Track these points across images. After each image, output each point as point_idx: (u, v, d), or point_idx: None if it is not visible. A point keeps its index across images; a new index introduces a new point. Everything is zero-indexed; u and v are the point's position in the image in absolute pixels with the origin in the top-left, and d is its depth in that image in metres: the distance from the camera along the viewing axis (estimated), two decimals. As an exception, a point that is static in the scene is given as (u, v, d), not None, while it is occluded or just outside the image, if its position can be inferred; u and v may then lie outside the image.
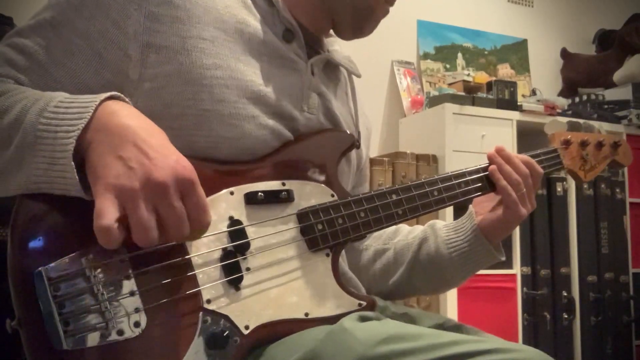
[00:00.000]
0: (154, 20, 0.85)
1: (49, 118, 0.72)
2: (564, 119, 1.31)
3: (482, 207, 1.09)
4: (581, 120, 1.33)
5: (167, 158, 0.70)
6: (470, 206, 1.10)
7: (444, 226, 1.11)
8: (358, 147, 1.02)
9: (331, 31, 1.07)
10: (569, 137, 1.19)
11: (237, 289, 0.80)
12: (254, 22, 0.93)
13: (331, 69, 1.05)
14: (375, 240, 1.17)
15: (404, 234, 1.15)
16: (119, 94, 0.77)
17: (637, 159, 2.97)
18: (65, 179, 0.71)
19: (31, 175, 0.72)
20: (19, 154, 0.72)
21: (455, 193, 1.03)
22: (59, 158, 0.70)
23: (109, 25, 0.83)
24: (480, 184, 1.06)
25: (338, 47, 1.09)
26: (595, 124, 1.28)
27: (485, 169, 1.07)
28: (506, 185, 1.04)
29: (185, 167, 0.71)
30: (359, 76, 1.09)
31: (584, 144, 1.21)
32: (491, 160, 1.07)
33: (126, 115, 0.73)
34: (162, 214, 0.69)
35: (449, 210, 2.38)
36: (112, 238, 0.66)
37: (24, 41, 0.84)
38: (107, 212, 0.66)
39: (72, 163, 0.70)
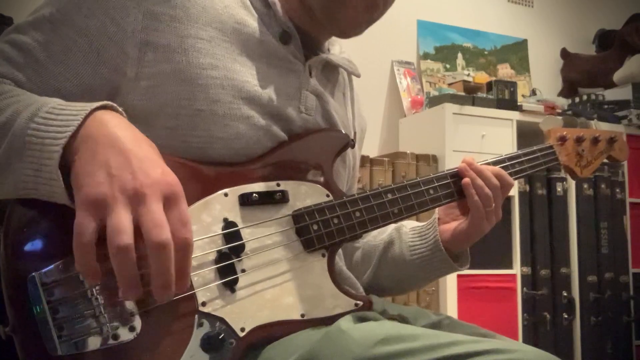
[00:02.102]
0: (153, 18, 0.84)
1: (39, 124, 0.71)
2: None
3: (447, 215, 1.08)
4: (577, 117, 1.32)
5: (151, 169, 0.68)
6: (437, 210, 1.09)
7: (410, 230, 1.11)
8: (353, 146, 1.01)
9: None
10: (565, 133, 1.19)
11: (233, 290, 0.80)
12: (252, 22, 0.93)
13: (330, 69, 1.05)
14: None
15: (373, 235, 1.15)
16: (111, 103, 0.75)
17: (636, 159, 3.00)
18: (51, 186, 0.70)
19: (19, 181, 0.72)
20: (7, 159, 0.72)
21: (451, 191, 1.03)
22: (46, 165, 0.69)
23: (107, 22, 0.83)
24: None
25: (339, 47, 1.08)
26: (592, 123, 1.28)
27: (462, 177, 1.05)
28: (478, 201, 1.01)
29: (169, 180, 0.68)
30: (358, 76, 1.08)
31: (579, 140, 1.21)
32: (463, 174, 1.04)
33: (115, 125, 0.71)
34: (141, 218, 0.65)
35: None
36: (87, 258, 0.64)
37: (22, 38, 0.84)
38: (83, 228, 0.64)
39: (58, 170, 0.69)
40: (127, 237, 0.63)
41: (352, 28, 0.97)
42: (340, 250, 1.01)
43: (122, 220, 0.64)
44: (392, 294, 1.27)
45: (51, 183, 0.70)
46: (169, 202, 0.67)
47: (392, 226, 1.13)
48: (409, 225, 1.13)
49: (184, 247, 0.66)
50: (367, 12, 0.96)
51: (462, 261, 1.08)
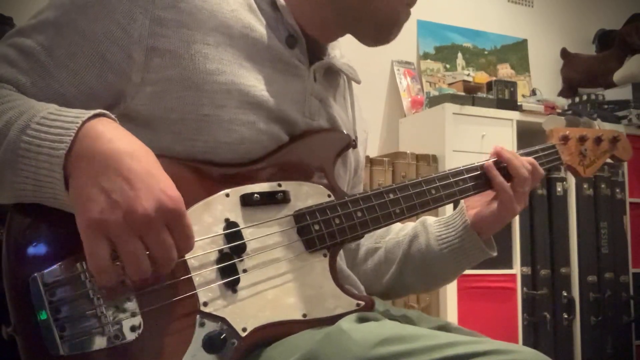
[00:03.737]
0: (160, 24, 0.84)
1: (31, 136, 0.70)
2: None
3: (474, 201, 1.09)
4: (579, 117, 1.33)
5: (151, 188, 0.68)
6: (462, 201, 1.10)
7: (434, 222, 1.11)
8: (354, 146, 1.02)
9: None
10: (567, 132, 1.19)
11: (234, 291, 0.80)
12: (259, 27, 0.92)
13: (332, 73, 1.05)
14: (366, 239, 1.16)
15: (395, 232, 1.15)
16: (104, 111, 0.75)
17: (636, 159, 3.00)
18: (57, 200, 0.71)
19: (17, 195, 0.72)
20: (1, 170, 0.72)
21: (453, 191, 1.03)
22: (46, 182, 0.70)
23: (113, 27, 0.83)
24: (477, 182, 1.06)
25: (339, 51, 1.08)
26: (597, 123, 1.28)
27: (482, 167, 1.07)
28: (502, 181, 1.05)
29: (171, 197, 0.69)
30: (358, 82, 1.09)
31: (582, 140, 1.21)
32: (499, 156, 1.07)
33: (110, 138, 0.70)
34: (149, 246, 0.68)
35: (449, 207, 2.37)
36: (111, 277, 0.67)
37: (25, 41, 0.83)
38: (99, 254, 0.66)
39: (65, 191, 0.69)
40: (145, 265, 0.68)
41: (391, 41, 1.02)
42: (341, 250, 1.01)
43: (136, 251, 0.67)
44: (418, 291, 1.27)
45: (56, 198, 0.71)
46: (171, 220, 0.69)
47: (411, 223, 1.14)
48: (431, 219, 1.13)
49: (185, 253, 0.73)
50: (405, 22, 1.01)
51: (490, 247, 1.09)
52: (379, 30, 0.99)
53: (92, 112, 0.73)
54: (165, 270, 0.70)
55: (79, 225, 0.67)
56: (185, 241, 0.70)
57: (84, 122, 0.71)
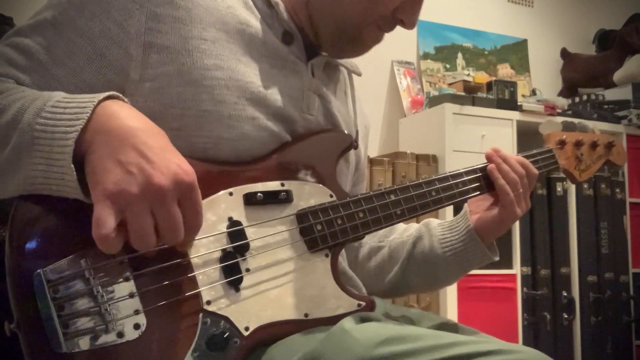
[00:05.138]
0: (156, 20, 0.84)
1: (47, 118, 0.71)
2: (560, 119, 1.32)
3: (477, 206, 1.09)
4: (576, 120, 1.33)
5: (167, 161, 0.70)
6: (465, 205, 1.11)
7: (438, 225, 1.12)
8: (356, 147, 1.02)
9: None
10: (564, 137, 1.20)
11: (237, 290, 0.80)
12: (255, 22, 0.93)
13: (331, 68, 1.05)
14: (370, 238, 1.17)
15: (399, 232, 1.16)
16: (117, 93, 0.76)
17: (637, 159, 2.99)
18: (63, 180, 0.71)
19: (29, 176, 0.72)
20: (16, 155, 0.72)
21: (453, 193, 1.03)
22: (57, 159, 0.70)
23: (110, 24, 0.83)
24: (477, 184, 1.06)
25: None
26: (592, 123, 1.28)
27: (482, 169, 1.08)
28: (504, 184, 1.05)
29: (186, 171, 0.71)
30: (359, 75, 1.09)
31: (578, 144, 1.22)
32: (489, 159, 1.08)
33: (125, 116, 0.73)
34: (159, 218, 0.69)
35: (449, 209, 2.38)
36: (111, 246, 0.67)
37: (24, 40, 0.84)
38: (106, 221, 0.66)
39: (72, 166, 0.69)
40: (151, 239, 0.69)
41: (349, 57, 1.02)
42: (343, 250, 1.01)
43: (144, 224, 0.68)
44: (420, 291, 1.27)
45: (64, 177, 0.70)
46: (184, 194, 0.70)
47: (415, 224, 1.15)
48: (435, 221, 1.14)
49: (194, 232, 0.74)
50: (372, 47, 1.00)
51: (492, 252, 1.09)
52: (337, 37, 0.97)
53: (106, 93, 0.75)
54: (169, 244, 0.72)
55: (93, 197, 0.68)
56: (194, 217, 0.72)
57: (100, 102, 0.73)
